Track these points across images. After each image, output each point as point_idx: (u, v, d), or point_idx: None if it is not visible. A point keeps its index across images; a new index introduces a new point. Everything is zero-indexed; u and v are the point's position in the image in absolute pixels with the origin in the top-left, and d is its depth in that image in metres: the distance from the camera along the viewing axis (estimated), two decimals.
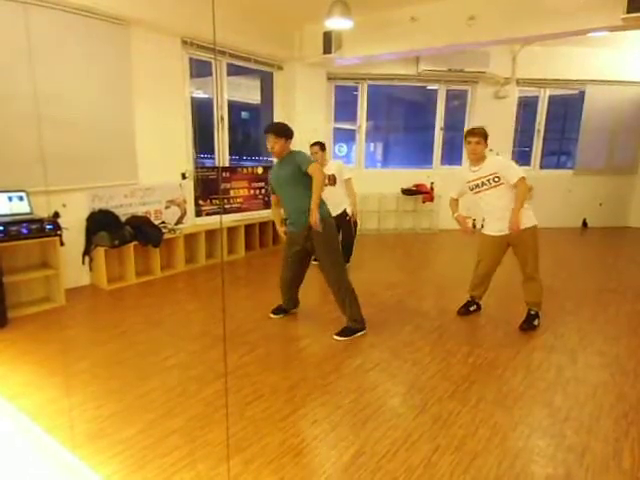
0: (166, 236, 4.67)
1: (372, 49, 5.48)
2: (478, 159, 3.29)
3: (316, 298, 4.02)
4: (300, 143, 6.25)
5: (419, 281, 4.74)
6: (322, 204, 3.15)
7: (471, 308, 3.71)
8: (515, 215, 3.16)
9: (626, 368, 2.83)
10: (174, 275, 4.76)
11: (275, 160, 3.39)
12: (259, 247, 5.87)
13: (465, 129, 3.62)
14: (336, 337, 3.18)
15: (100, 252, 4.14)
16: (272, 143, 3.14)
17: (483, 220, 3.51)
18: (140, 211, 4.69)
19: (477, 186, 3.35)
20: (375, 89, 7.23)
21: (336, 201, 4.38)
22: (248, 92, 6.74)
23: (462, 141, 7.38)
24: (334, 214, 4.55)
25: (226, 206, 5.71)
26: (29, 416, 2.21)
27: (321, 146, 4.64)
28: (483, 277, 3.57)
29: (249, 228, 5.73)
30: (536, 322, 3.42)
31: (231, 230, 5.55)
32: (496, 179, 3.24)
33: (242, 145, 6.85)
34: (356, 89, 7.14)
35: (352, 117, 7.25)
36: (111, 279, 4.29)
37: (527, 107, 7.52)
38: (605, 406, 2.40)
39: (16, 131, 3.63)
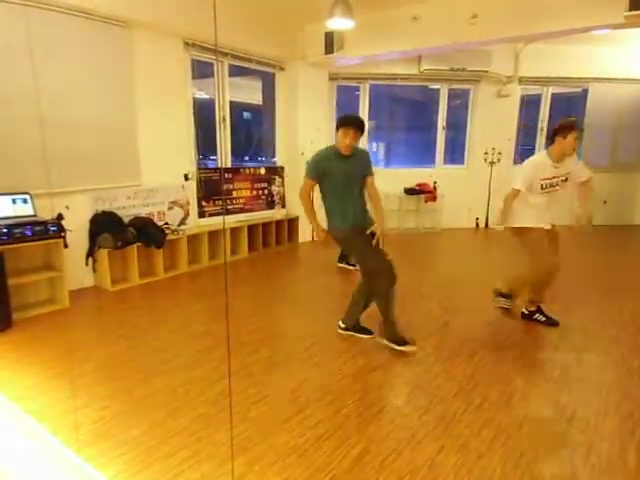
0: (169, 237, 4.67)
1: (374, 49, 5.47)
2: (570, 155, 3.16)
3: (319, 297, 4.02)
4: (303, 143, 6.30)
5: (422, 280, 4.73)
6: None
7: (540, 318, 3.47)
8: (589, 210, 3.21)
9: (632, 367, 2.81)
10: (177, 276, 4.77)
11: (330, 153, 2.93)
12: (262, 247, 5.88)
13: (567, 121, 3.13)
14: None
15: (103, 253, 4.16)
16: (352, 140, 2.80)
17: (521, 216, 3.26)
18: (143, 212, 4.70)
19: (551, 185, 3.17)
20: (377, 89, 7.22)
21: None
22: (250, 93, 6.74)
23: (465, 140, 7.29)
24: None
25: (229, 207, 5.72)
26: (35, 417, 2.22)
27: None
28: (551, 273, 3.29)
29: (252, 229, 5.73)
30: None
31: (234, 231, 5.55)
32: (565, 179, 3.21)
33: (244, 146, 6.85)
34: (358, 89, 7.13)
35: None
36: (115, 280, 4.30)
37: (530, 105, 7.50)
38: (611, 405, 2.39)
39: (19, 133, 3.65)
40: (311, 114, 6.34)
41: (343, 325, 3.27)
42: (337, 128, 2.87)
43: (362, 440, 2.08)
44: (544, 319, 3.47)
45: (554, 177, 3.17)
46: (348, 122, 2.82)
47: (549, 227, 3.28)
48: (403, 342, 2.98)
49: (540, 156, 3.24)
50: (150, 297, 4.11)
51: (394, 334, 3.01)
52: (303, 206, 3.03)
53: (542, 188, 3.19)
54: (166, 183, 4.94)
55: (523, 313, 3.55)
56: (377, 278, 2.97)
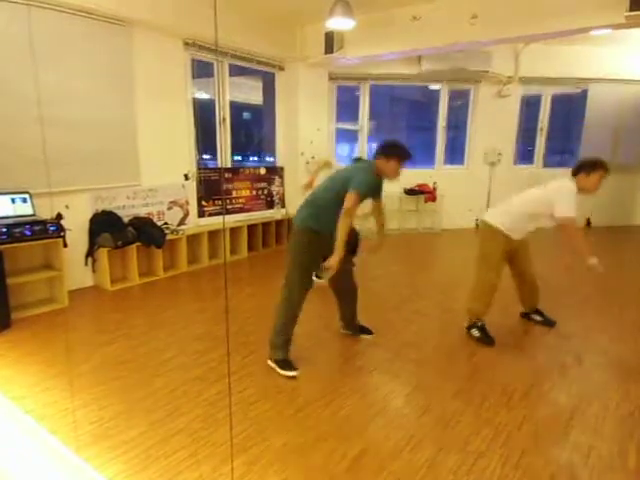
0: (169, 237, 4.67)
1: (374, 49, 5.46)
2: None
3: (319, 297, 4.01)
4: (302, 144, 6.30)
5: (422, 281, 4.73)
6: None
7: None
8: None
9: (631, 367, 2.81)
10: (177, 276, 4.76)
11: (374, 178, 2.74)
12: (261, 247, 5.88)
13: (592, 159, 3.04)
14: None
15: (103, 253, 4.15)
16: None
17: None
18: (143, 212, 4.70)
19: None
20: (377, 89, 7.22)
21: None
22: (250, 93, 6.74)
23: (465, 141, 7.28)
24: None
25: (228, 207, 5.71)
26: (34, 417, 2.22)
27: None
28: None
29: (252, 229, 5.73)
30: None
31: (234, 231, 5.55)
32: None
33: (244, 146, 6.85)
34: (358, 89, 7.13)
35: (354, 117, 7.24)
36: (114, 280, 4.29)
37: (530, 106, 7.50)
38: (610, 406, 2.39)
39: (19, 133, 3.64)
40: (311, 114, 6.34)
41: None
42: (389, 157, 2.68)
43: (361, 440, 2.08)
44: (540, 319, 3.49)
45: None
46: (409, 156, 2.72)
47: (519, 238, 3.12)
48: (288, 366, 2.68)
49: (572, 184, 2.98)
50: (149, 297, 4.11)
51: (280, 354, 2.73)
52: (346, 224, 2.52)
53: None
54: (166, 183, 4.94)
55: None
56: (288, 292, 2.74)
